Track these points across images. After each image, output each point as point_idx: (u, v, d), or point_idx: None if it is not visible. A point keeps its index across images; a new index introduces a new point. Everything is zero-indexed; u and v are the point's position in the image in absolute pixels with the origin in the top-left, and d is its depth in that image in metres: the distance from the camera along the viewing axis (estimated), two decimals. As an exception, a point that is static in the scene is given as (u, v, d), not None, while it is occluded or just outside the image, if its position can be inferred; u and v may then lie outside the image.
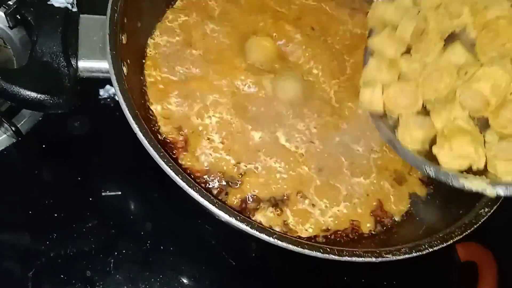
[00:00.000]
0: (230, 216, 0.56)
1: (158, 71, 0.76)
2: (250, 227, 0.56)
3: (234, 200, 0.69)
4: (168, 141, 0.71)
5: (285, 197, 0.70)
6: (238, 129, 0.74)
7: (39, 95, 0.60)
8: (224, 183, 0.70)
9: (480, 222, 0.63)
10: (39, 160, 0.79)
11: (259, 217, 0.69)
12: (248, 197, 0.69)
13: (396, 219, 0.74)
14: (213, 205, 0.56)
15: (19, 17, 0.73)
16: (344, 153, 0.75)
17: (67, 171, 0.79)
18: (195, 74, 0.77)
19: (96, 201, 0.76)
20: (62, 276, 0.69)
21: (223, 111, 0.75)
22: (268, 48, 0.82)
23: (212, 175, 0.70)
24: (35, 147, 0.79)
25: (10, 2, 0.70)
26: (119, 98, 0.60)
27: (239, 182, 0.70)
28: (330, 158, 0.75)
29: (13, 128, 0.75)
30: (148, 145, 0.58)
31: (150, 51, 0.78)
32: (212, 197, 0.57)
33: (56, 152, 0.80)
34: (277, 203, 0.70)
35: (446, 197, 0.74)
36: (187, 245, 0.76)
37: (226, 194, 0.69)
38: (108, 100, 0.84)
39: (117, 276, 0.71)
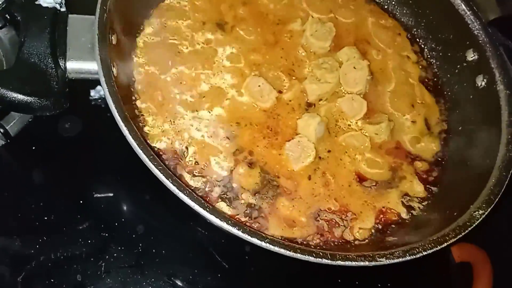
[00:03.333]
0: (221, 220, 0.55)
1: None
2: (242, 231, 0.55)
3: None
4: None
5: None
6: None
7: (26, 98, 0.59)
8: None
9: (474, 225, 0.62)
10: (29, 162, 0.78)
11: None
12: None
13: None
14: (204, 209, 0.56)
15: (8, 17, 0.72)
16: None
17: (58, 173, 0.77)
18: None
19: (87, 204, 0.75)
20: (52, 280, 0.68)
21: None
22: None
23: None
24: (25, 149, 0.78)
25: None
26: (109, 100, 0.60)
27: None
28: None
29: (1, 130, 0.74)
30: (138, 148, 0.57)
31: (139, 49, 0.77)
32: (203, 201, 0.57)
33: (46, 154, 0.79)
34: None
35: (441, 199, 0.73)
36: (180, 248, 0.75)
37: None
38: (99, 101, 0.82)
39: (108, 279, 0.70)
